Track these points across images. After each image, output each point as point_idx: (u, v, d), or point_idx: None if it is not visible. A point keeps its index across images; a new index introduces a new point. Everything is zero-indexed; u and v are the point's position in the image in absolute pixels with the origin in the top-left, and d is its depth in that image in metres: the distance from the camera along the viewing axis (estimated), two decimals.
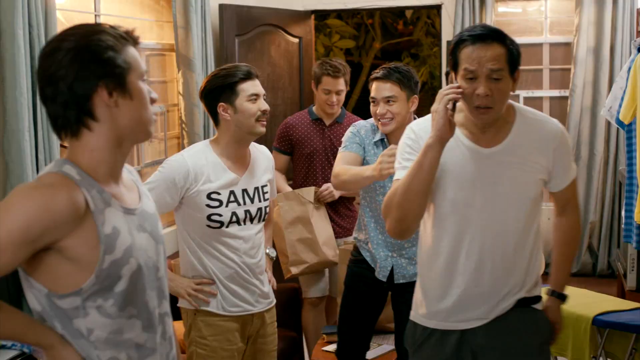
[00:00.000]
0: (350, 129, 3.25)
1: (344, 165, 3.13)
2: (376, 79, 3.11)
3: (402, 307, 3.24)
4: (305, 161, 4.05)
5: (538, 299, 2.32)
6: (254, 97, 2.73)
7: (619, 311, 3.48)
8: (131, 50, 1.62)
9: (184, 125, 4.49)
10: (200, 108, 4.49)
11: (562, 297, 2.39)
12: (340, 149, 3.25)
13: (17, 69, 3.01)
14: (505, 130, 2.21)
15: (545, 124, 2.26)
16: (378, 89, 3.09)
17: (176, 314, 2.53)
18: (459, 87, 2.11)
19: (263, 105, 2.75)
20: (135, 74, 1.61)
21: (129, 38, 1.64)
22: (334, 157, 3.74)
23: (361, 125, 3.23)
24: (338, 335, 3.36)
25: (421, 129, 2.26)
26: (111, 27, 1.62)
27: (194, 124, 4.46)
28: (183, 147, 4.49)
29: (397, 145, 3.08)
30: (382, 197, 3.13)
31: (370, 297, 3.23)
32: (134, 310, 1.65)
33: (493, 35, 2.12)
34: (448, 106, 2.07)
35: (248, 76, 2.73)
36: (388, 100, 3.06)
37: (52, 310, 1.57)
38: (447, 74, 3.45)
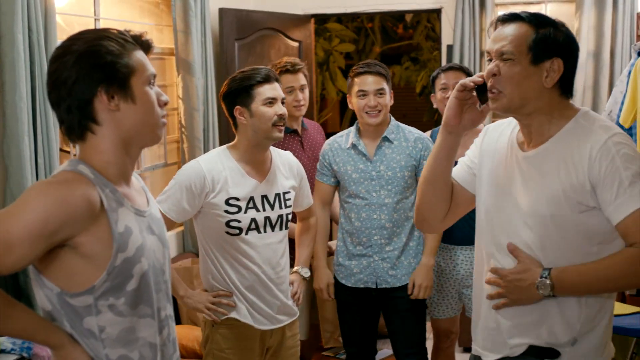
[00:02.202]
0: (324, 147, 3.34)
1: (323, 219, 3.30)
2: (365, 72, 3.18)
3: (392, 316, 3.25)
4: None
5: (555, 353, 1.89)
6: (270, 100, 2.67)
7: (619, 315, 3.47)
8: (137, 55, 1.64)
9: (183, 130, 4.49)
10: (200, 112, 4.49)
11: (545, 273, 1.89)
12: (317, 174, 3.32)
13: (17, 73, 3.01)
14: (549, 134, 1.89)
15: (592, 133, 1.83)
16: (367, 82, 3.16)
17: (177, 318, 2.52)
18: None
19: (280, 109, 2.69)
20: (140, 78, 1.63)
21: (138, 42, 1.66)
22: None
23: (333, 141, 3.31)
24: (344, 348, 3.38)
25: (492, 128, 2.10)
26: (119, 32, 1.65)
27: (193, 128, 4.46)
28: (183, 152, 4.50)
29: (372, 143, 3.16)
30: (354, 212, 3.20)
31: (361, 307, 3.26)
32: (148, 309, 1.68)
33: (524, 16, 1.88)
34: (465, 89, 1.91)
35: (266, 79, 2.68)
36: (378, 92, 3.14)
37: (62, 308, 1.59)
38: (434, 79, 3.50)
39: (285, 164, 2.84)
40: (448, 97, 3.44)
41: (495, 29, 1.93)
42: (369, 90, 3.14)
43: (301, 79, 3.58)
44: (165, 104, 1.70)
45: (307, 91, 3.62)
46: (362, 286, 3.20)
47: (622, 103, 3.85)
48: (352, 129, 3.26)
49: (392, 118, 3.26)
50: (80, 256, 1.55)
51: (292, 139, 3.63)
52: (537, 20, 1.88)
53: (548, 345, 1.89)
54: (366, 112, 3.15)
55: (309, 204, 2.99)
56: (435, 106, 3.55)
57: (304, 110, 3.62)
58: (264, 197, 2.72)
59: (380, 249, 3.15)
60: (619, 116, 3.87)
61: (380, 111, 3.14)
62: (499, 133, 2.04)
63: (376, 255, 3.17)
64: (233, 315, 2.70)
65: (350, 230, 3.21)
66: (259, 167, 2.74)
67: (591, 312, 1.89)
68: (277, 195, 2.75)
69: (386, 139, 3.17)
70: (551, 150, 1.88)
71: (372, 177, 3.15)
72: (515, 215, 1.91)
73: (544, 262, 1.88)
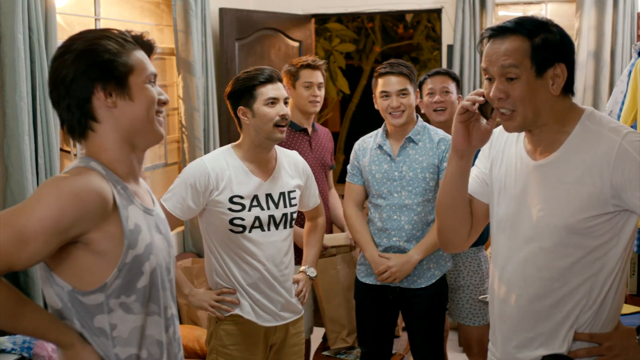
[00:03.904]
0: (354, 147, 3.35)
1: (356, 213, 3.26)
2: (387, 73, 3.16)
3: (410, 319, 3.24)
4: None
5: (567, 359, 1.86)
6: (272, 100, 2.69)
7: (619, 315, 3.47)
8: (137, 54, 1.65)
9: (184, 129, 4.49)
10: (201, 112, 4.49)
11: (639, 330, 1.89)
12: (347, 176, 3.32)
13: (17, 73, 3.01)
14: (559, 141, 1.83)
15: (604, 138, 1.78)
16: (390, 82, 3.14)
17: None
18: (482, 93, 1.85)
19: (282, 109, 2.70)
20: (140, 76, 1.64)
21: (139, 43, 1.67)
22: (323, 169, 3.69)
23: (362, 141, 3.32)
24: (359, 347, 3.37)
25: (497, 135, 2.03)
26: (120, 32, 1.66)
27: (194, 127, 4.46)
28: (183, 152, 4.50)
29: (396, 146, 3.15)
30: (376, 212, 3.20)
31: (379, 307, 3.25)
32: (156, 307, 1.69)
33: (513, 27, 1.79)
34: (473, 110, 1.85)
35: (269, 80, 2.70)
36: (401, 93, 3.12)
37: (73, 307, 1.59)
38: (421, 84, 3.48)
39: (290, 163, 2.86)
40: (435, 102, 3.47)
41: (485, 44, 1.85)
42: (391, 91, 3.13)
43: (319, 77, 3.61)
44: (165, 103, 1.70)
45: (323, 90, 3.65)
46: (379, 283, 3.19)
47: (623, 103, 3.85)
48: (380, 129, 3.27)
49: (420, 119, 3.24)
50: (92, 253, 1.56)
51: (300, 137, 3.62)
52: (528, 29, 1.79)
53: (561, 352, 1.87)
54: (389, 113, 3.15)
55: (315, 204, 3.00)
56: (422, 111, 3.55)
57: (318, 107, 3.64)
58: (269, 195, 2.73)
59: (399, 250, 3.14)
60: (619, 116, 3.87)
61: (403, 111, 3.13)
62: (504, 140, 2.00)
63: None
64: (236, 311, 2.72)
65: (372, 231, 3.20)
66: (264, 166, 2.76)
67: (603, 317, 1.87)
68: (282, 194, 2.77)
69: (410, 139, 3.16)
70: (563, 158, 1.82)
71: (394, 177, 3.14)
72: (528, 224, 1.87)
73: (553, 271, 1.84)
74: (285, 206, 2.77)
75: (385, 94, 3.14)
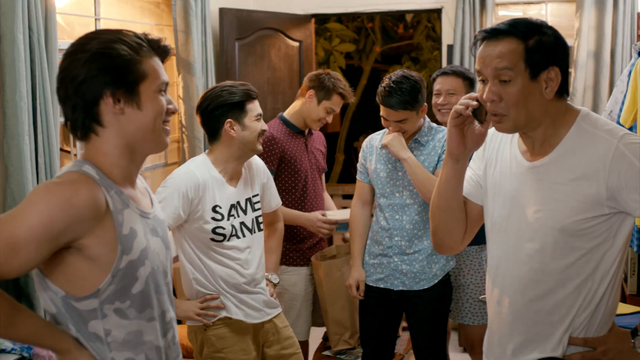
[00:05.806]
0: (362, 145, 3.38)
1: (361, 216, 3.30)
2: (386, 105, 3.10)
3: (412, 320, 3.24)
4: (296, 182, 3.60)
5: None
6: (259, 116, 2.84)
7: (619, 315, 3.46)
8: (151, 61, 1.63)
9: (184, 129, 4.49)
10: None
11: (634, 333, 1.88)
12: (357, 173, 3.36)
13: (17, 73, 3.01)
14: (554, 142, 1.82)
15: (600, 140, 1.76)
16: (389, 114, 3.11)
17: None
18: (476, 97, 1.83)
19: (264, 125, 2.87)
20: (151, 85, 1.62)
21: (154, 48, 1.65)
22: (318, 172, 3.71)
23: (370, 139, 3.34)
24: (362, 347, 3.37)
25: (490, 135, 2.01)
26: (136, 35, 1.63)
27: (194, 128, 4.46)
28: (183, 152, 4.50)
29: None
30: (381, 212, 3.22)
31: (381, 308, 3.26)
32: (153, 312, 1.68)
33: (507, 29, 1.77)
34: (466, 114, 1.83)
35: (253, 96, 2.84)
36: (399, 121, 3.12)
37: (67, 312, 1.58)
38: (433, 82, 3.49)
39: (252, 168, 2.95)
40: (439, 103, 3.48)
41: (479, 46, 1.83)
42: (390, 119, 3.13)
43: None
44: (173, 112, 1.69)
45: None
46: (382, 286, 3.21)
47: (623, 103, 3.85)
48: (387, 129, 3.26)
49: (427, 120, 3.24)
50: (85, 259, 1.55)
51: (298, 138, 3.64)
52: (522, 31, 1.77)
53: (556, 356, 1.86)
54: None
55: (277, 205, 3.10)
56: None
57: (320, 128, 3.71)
58: (238, 203, 2.83)
59: (400, 250, 3.15)
60: (619, 116, 3.87)
61: (403, 132, 3.14)
62: (499, 141, 2.00)
63: (396, 257, 3.17)
64: (224, 314, 2.78)
65: (376, 229, 3.22)
66: (235, 175, 2.87)
67: (598, 320, 1.86)
68: (248, 200, 2.87)
69: (417, 141, 3.17)
70: (558, 160, 1.81)
71: (397, 177, 3.16)
72: (523, 226, 1.86)
73: (547, 273, 1.83)
74: (253, 211, 2.88)
75: (385, 119, 3.15)
